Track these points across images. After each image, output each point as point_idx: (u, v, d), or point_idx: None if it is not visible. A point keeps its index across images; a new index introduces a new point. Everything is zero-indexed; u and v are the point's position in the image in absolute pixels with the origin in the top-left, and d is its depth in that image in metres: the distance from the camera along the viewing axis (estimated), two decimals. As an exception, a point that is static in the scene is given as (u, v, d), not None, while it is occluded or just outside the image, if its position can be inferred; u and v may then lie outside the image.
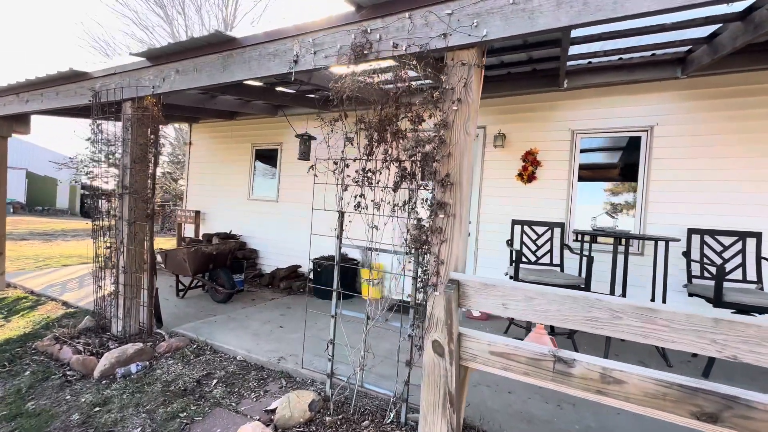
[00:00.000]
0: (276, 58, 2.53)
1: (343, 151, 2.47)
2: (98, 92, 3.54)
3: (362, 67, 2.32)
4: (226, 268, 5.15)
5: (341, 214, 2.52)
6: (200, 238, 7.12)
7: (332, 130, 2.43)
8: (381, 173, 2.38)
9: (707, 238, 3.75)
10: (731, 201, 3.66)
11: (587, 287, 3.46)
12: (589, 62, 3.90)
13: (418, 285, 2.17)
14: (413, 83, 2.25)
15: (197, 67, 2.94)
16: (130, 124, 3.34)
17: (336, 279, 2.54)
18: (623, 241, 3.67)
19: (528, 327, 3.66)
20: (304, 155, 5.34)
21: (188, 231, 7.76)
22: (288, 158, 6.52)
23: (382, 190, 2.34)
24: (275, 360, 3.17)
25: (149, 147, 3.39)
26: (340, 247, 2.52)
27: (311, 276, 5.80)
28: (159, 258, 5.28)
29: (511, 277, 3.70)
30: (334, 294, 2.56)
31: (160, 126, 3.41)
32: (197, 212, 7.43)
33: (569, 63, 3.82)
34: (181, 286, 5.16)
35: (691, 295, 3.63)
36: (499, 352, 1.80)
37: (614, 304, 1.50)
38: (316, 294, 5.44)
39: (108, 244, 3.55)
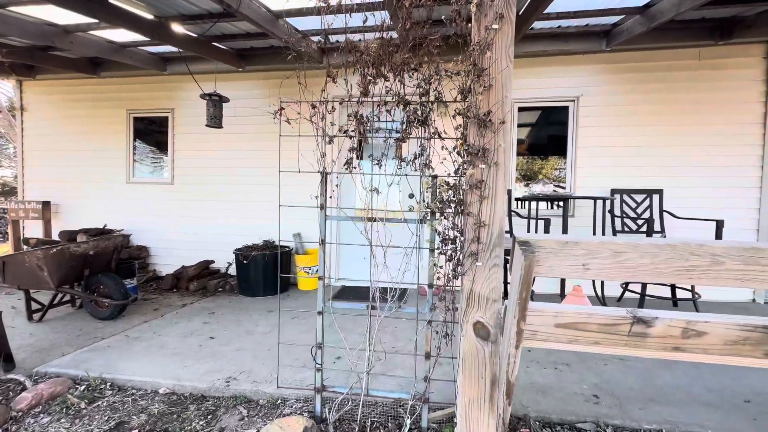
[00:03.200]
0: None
1: (323, 90, 1.82)
2: None
3: None
4: (110, 271, 3.79)
5: (324, 175, 1.87)
6: (54, 237, 5.21)
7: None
8: (380, 118, 1.82)
9: (625, 197, 4.25)
10: (643, 164, 4.20)
11: (546, 249, 3.54)
12: (531, 28, 3.92)
13: (448, 256, 1.73)
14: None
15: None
16: None
17: (322, 261, 1.90)
18: (564, 203, 3.88)
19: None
20: (215, 121, 4.24)
21: (33, 230, 5.64)
22: (184, 129, 5.17)
23: (384, 141, 1.79)
24: (222, 383, 2.35)
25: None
26: (325, 219, 1.88)
27: (234, 272, 4.78)
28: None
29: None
30: (320, 286, 1.92)
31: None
32: (46, 203, 5.40)
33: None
34: (35, 305, 3.61)
35: (617, 248, 4.06)
36: (567, 323, 1.50)
37: (717, 247, 1.32)
38: (242, 291, 4.50)
39: None
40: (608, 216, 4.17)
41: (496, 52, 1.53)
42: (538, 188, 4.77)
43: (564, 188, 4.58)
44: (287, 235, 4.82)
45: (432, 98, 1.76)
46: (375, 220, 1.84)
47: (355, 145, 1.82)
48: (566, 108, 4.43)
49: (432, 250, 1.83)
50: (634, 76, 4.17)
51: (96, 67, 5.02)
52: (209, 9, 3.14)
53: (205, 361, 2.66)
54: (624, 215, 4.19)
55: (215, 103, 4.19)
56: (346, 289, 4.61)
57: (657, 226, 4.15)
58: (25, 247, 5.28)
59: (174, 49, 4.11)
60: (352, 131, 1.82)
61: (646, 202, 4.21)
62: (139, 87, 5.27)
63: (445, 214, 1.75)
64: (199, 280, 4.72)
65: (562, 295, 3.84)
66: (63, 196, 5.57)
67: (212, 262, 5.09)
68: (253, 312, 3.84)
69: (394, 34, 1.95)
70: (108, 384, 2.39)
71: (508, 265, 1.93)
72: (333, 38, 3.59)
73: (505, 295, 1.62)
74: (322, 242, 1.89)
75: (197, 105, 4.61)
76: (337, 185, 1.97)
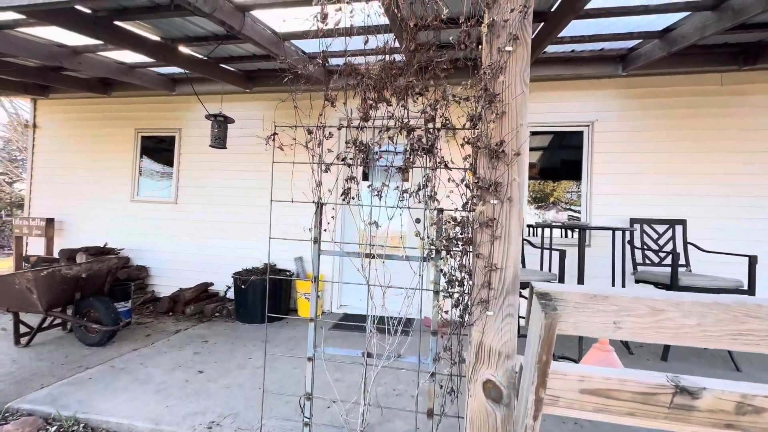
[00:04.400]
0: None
1: (321, 114, 1.68)
2: None
3: (335, 7, 1.58)
4: (102, 295, 3.65)
5: (319, 205, 1.71)
6: (56, 255, 5.14)
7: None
8: (381, 146, 1.67)
9: (645, 227, 4.00)
10: (664, 192, 3.97)
11: (561, 282, 3.30)
12: (544, 52, 3.82)
13: (454, 300, 1.53)
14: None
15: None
16: None
17: (314, 300, 1.71)
18: (580, 232, 3.65)
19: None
20: (219, 142, 4.17)
21: (35, 246, 5.59)
22: (190, 148, 5.14)
23: (385, 170, 1.63)
24: (203, 429, 2.14)
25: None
26: (319, 254, 1.70)
27: (232, 295, 4.60)
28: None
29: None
30: (310, 329, 1.73)
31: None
32: (49, 220, 5.38)
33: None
34: (24, 329, 3.47)
35: (638, 281, 3.79)
36: (595, 390, 1.27)
37: (781, 309, 1.10)
38: (239, 317, 4.30)
39: None
40: (628, 247, 3.92)
41: (510, 77, 1.38)
42: (550, 215, 4.55)
43: (577, 212, 4.36)
44: (289, 259, 4.66)
45: (438, 125, 1.61)
46: (373, 257, 1.66)
47: (354, 174, 1.67)
48: (580, 133, 4.26)
49: (437, 293, 1.63)
50: (653, 101, 4.00)
51: (107, 87, 5.08)
52: (215, 31, 3.11)
53: (190, 401, 2.45)
54: (645, 247, 3.92)
55: (220, 124, 4.14)
56: (348, 317, 4.39)
57: (681, 259, 3.88)
58: (25, 264, 5.22)
59: (181, 70, 4.10)
60: (350, 159, 1.68)
61: (669, 233, 3.95)
62: (148, 106, 5.29)
63: (452, 253, 1.56)
64: (196, 304, 4.55)
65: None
66: (67, 213, 5.54)
67: (211, 284, 4.94)
68: (248, 341, 3.63)
69: (398, 56, 1.82)
70: (81, 425, 2.19)
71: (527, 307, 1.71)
72: (338, 60, 3.53)
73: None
74: (315, 279, 1.71)
75: (204, 125, 4.58)
76: (333, 217, 1.79)
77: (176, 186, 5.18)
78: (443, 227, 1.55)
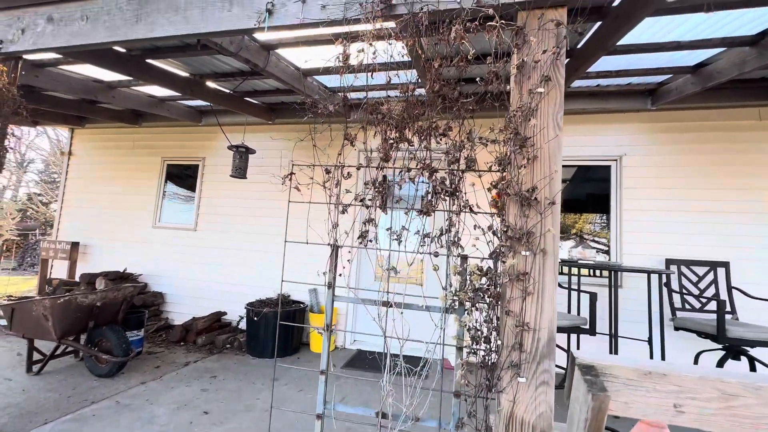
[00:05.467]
0: (234, 5, 1.62)
1: (340, 153, 1.63)
2: None
3: (357, 46, 1.55)
4: (116, 324, 3.62)
5: (335, 248, 1.62)
6: (76, 279, 5.22)
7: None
8: (402, 187, 1.59)
9: (683, 268, 3.71)
10: (701, 231, 3.70)
11: (592, 328, 3.04)
12: (569, 86, 3.75)
13: (480, 359, 1.38)
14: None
15: (89, 15, 1.84)
16: (-51, 98, 2.00)
17: (326, 349, 1.58)
18: (612, 274, 3.42)
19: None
20: (240, 171, 4.23)
21: (59, 270, 5.71)
22: (212, 177, 5.25)
23: (406, 213, 1.54)
24: (203, 483, 1.98)
25: (-14, 139, 2.06)
26: (332, 300, 1.60)
27: (244, 326, 4.51)
28: (0, 312, 3.53)
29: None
30: (321, 383, 1.59)
31: (18, 109, 2.12)
32: (74, 244, 5.51)
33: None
34: (37, 356, 3.45)
35: (678, 329, 3.47)
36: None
37: None
38: (250, 350, 4.18)
39: None
40: (664, 290, 3.63)
41: (542, 120, 1.29)
42: (576, 252, 4.31)
43: (601, 245, 4.11)
44: (303, 290, 4.55)
45: (462, 166, 1.52)
46: (391, 306, 1.53)
47: (373, 216, 1.58)
48: (607, 166, 4.09)
49: (460, 349, 1.48)
50: (685, 136, 3.82)
51: (138, 117, 5.31)
52: (240, 68, 3.21)
53: (192, 447, 2.31)
54: (684, 291, 3.62)
55: (241, 154, 4.21)
56: (361, 354, 4.19)
57: (726, 306, 3.54)
58: (48, 287, 5.32)
59: (208, 103, 4.25)
60: (369, 200, 1.60)
61: (710, 276, 3.64)
62: (175, 136, 5.48)
63: (477, 307, 1.42)
64: (207, 334, 4.47)
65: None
66: (92, 237, 5.68)
67: (224, 314, 4.86)
68: (258, 379, 3.48)
69: (419, 90, 1.77)
70: (78, 471, 2.08)
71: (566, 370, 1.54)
72: (359, 95, 3.57)
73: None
74: (328, 328, 1.59)
75: (226, 154, 4.68)
76: (349, 260, 1.70)
77: (196, 213, 5.25)
78: (468, 277, 1.42)
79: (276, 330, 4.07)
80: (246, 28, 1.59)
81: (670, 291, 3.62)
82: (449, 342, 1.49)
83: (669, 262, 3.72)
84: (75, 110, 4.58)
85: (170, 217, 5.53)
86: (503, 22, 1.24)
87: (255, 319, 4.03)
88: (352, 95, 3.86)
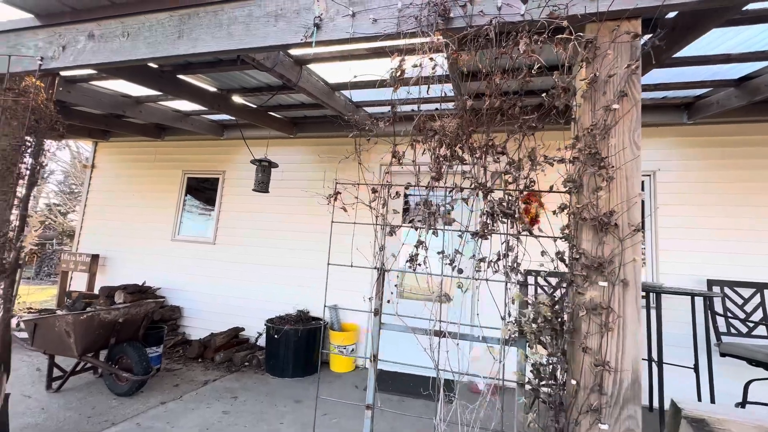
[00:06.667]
0: (280, 19, 1.58)
1: (387, 171, 1.55)
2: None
3: (413, 60, 1.48)
4: (136, 340, 3.55)
5: (382, 272, 1.53)
6: (95, 292, 5.21)
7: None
8: (453, 207, 1.49)
9: (727, 290, 3.51)
10: (745, 251, 3.51)
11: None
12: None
13: (546, 400, 1.25)
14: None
15: (130, 31, 1.82)
16: (-12, 115, 1.99)
17: (372, 390, 1.47)
18: (649, 295, 3.25)
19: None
20: (262, 186, 4.19)
21: (78, 282, 5.72)
22: (232, 190, 5.23)
23: (460, 236, 1.44)
24: None
25: (22, 155, 2.04)
26: (380, 328, 1.49)
27: (262, 343, 4.41)
28: (22, 325, 3.50)
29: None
30: (368, 419, 1.48)
31: (53, 125, 2.10)
32: (94, 257, 5.52)
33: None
34: (57, 372, 3.39)
35: (724, 355, 3.25)
36: None
37: None
38: (269, 369, 4.06)
39: None
40: (704, 312, 3.42)
41: (619, 138, 1.19)
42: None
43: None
44: (321, 305, 4.44)
45: (521, 185, 1.42)
46: (444, 335, 1.42)
47: (422, 239, 1.49)
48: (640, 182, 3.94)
49: (521, 385, 1.36)
50: (722, 151, 3.67)
51: (161, 131, 5.36)
52: (269, 82, 3.20)
53: (217, 478, 2.19)
54: (729, 314, 3.42)
55: (264, 168, 4.18)
56: (384, 375, 4.03)
57: (774, 330, 3.33)
58: (67, 300, 5.31)
59: (232, 117, 4.26)
60: (419, 221, 1.50)
61: (756, 298, 3.43)
62: (197, 149, 5.51)
63: (543, 341, 1.30)
64: (225, 351, 4.37)
65: (743, 403, 2.93)
66: (110, 250, 5.69)
67: (242, 329, 4.77)
68: (279, 400, 3.36)
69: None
70: (101, 502, 1.97)
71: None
72: (401, 109, 3.52)
73: None
74: (374, 358, 1.49)
75: (247, 168, 4.67)
76: (396, 285, 1.60)
77: (215, 227, 5.23)
78: (532, 307, 1.30)
79: (297, 349, 3.96)
80: (292, 43, 1.54)
81: (714, 314, 3.41)
82: (509, 377, 1.37)
83: (711, 283, 3.53)
84: (102, 124, 4.64)
85: (189, 230, 5.52)
86: (576, 35, 1.16)
87: (276, 336, 3.93)
88: (379, 110, 3.82)
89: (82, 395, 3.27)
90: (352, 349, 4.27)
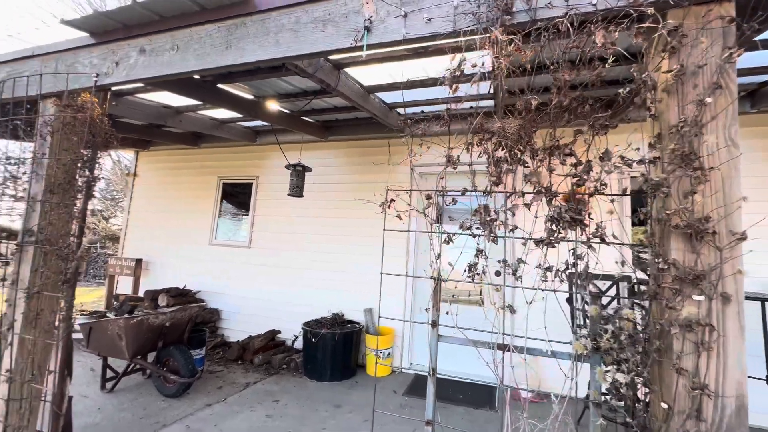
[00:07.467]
0: (328, 24, 1.55)
1: (441, 177, 1.48)
2: (1, 82, 2.26)
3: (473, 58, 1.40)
4: (182, 344, 3.66)
5: (438, 282, 1.47)
6: (140, 295, 5.44)
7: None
8: (514, 213, 1.41)
9: (801, 294, 3.19)
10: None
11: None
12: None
13: (624, 424, 1.14)
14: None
15: (179, 44, 1.85)
16: (50, 131, 2.08)
17: (432, 403, 1.41)
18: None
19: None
20: (297, 190, 4.23)
21: (124, 285, 5.99)
22: (266, 194, 5.32)
23: (524, 244, 1.36)
24: None
25: (81, 168, 2.13)
26: (437, 340, 1.43)
27: (299, 345, 4.45)
28: (76, 327, 3.68)
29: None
30: None
31: (107, 138, 2.18)
32: (138, 261, 5.77)
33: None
34: (110, 373, 3.55)
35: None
36: None
37: None
38: (307, 372, 4.08)
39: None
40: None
41: (713, 135, 1.07)
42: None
43: None
44: (357, 309, 4.43)
45: (591, 188, 1.32)
46: (509, 349, 1.34)
47: (482, 247, 1.41)
48: (695, 178, 3.67)
49: (598, 405, 1.25)
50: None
51: (198, 139, 5.53)
52: (304, 88, 3.20)
53: (267, 484, 2.20)
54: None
55: (299, 173, 4.21)
56: (420, 380, 3.97)
57: None
58: (114, 303, 5.58)
59: (266, 123, 4.32)
60: (477, 228, 1.43)
61: (837, 303, 3.10)
62: (231, 156, 5.64)
63: (622, 358, 1.20)
64: (264, 353, 4.44)
65: None
66: (152, 255, 5.93)
67: (278, 332, 4.84)
68: (320, 404, 3.36)
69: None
70: (159, 505, 2.02)
71: None
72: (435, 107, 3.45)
73: None
74: (433, 372, 1.42)
75: (280, 173, 4.73)
76: (453, 296, 1.54)
77: (250, 231, 5.33)
78: (611, 321, 1.20)
79: (334, 352, 3.96)
80: (342, 48, 1.51)
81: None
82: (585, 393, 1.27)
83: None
84: (144, 135, 4.84)
85: (225, 234, 5.66)
86: (664, 23, 1.05)
87: (314, 340, 3.95)
88: (411, 110, 3.75)
89: (133, 396, 3.40)
90: (389, 353, 4.22)
